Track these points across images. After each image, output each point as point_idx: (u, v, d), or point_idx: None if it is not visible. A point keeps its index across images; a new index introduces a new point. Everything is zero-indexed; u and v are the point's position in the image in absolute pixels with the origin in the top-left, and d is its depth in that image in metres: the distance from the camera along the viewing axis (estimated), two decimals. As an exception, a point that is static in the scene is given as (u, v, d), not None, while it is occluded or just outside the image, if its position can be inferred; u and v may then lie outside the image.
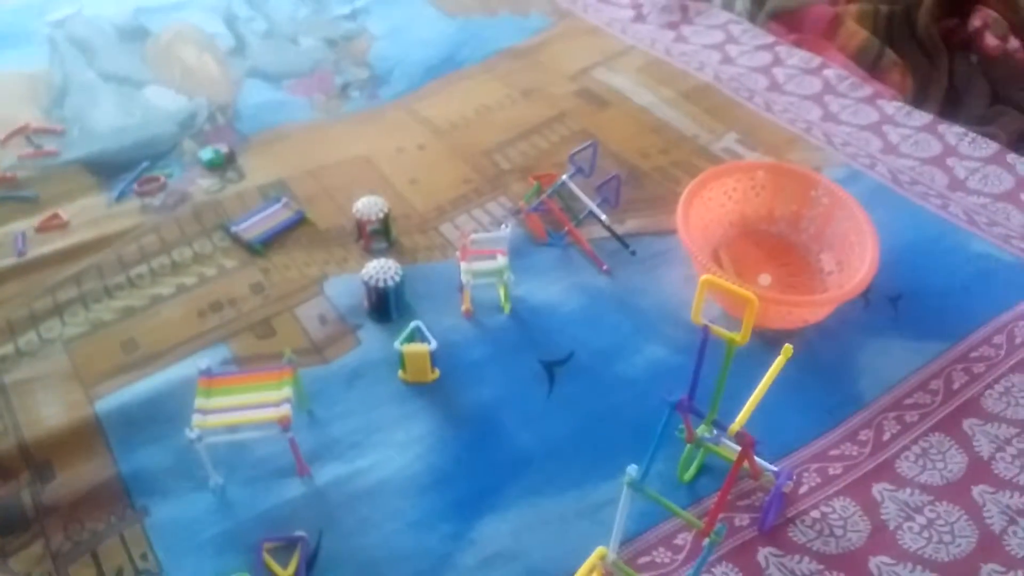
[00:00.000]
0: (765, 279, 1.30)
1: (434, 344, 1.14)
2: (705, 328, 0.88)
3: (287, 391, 1.03)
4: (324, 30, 1.96)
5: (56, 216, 1.44)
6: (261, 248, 1.38)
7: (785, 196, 1.36)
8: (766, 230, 1.38)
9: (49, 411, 1.14)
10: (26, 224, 1.43)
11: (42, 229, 1.42)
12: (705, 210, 1.33)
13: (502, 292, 1.28)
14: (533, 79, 1.78)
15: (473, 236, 1.30)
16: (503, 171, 1.54)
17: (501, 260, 1.26)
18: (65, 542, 1.00)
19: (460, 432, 1.11)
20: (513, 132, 1.64)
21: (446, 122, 1.67)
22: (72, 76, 1.82)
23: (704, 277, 0.85)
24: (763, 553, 0.98)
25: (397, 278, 1.23)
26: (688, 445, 1.02)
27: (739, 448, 0.90)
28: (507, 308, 1.27)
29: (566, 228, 1.40)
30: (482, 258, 1.27)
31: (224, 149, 1.58)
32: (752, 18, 1.99)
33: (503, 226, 1.32)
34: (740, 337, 0.85)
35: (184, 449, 1.05)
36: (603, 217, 1.38)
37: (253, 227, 1.41)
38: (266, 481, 1.06)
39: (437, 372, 1.18)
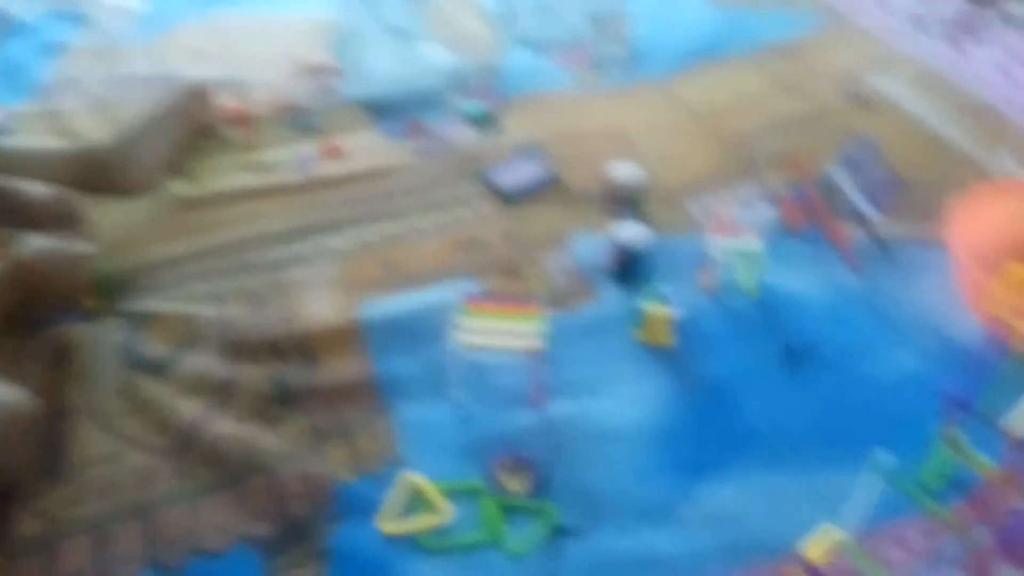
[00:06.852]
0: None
1: (678, 310, 1.16)
2: (1000, 323, 0.84)
3: (538, 326, 1.08)
4: (588, 7, 2.02)
5: (336, 146, 1.58)
6: (515, 198, 1.44)
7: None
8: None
9: (318, 310, 1.26)
10: (310, 149, 1.59)
11: (324, 154, 1.57)
12: (981, 226, 1.25)
13: (749, 274, 1.27)
14: (796, 75, 1.76)
15: (729, 214, 1.30)
16: (758, 158, 1.53)
17: (755, 243, 1.25)
18: (323, 421, 1.11)
19: (691, 397, 1.13)
20: (771, 122, 1.62)
21: (703, 105, 1.68)
22: (355, 26, 1.98)
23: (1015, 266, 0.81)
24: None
25: (648, 242, 1.26)
26: (942, 448, 0.97)
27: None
28: (753, 291, 1.26)
29: (825, 222, 1.37)
30: (734, 238, 1.27)
31: (486, 106, 1.66)
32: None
33: (757, 209, 1.31)
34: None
35: (432, 363, 1.14)
36: (871, 218, 1.34)
37: (508, 177, 1.48)
38: (503, 405, 1.12)
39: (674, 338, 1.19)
